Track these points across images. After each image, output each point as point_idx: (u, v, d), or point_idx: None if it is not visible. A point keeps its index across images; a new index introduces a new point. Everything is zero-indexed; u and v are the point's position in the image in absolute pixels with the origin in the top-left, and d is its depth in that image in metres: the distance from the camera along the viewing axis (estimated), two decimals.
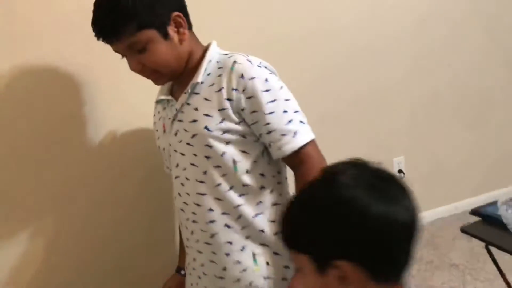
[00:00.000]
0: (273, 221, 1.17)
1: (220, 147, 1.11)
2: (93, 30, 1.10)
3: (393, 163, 2.75)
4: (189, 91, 1.13)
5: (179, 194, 1.21)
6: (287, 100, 1.12)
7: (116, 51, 1.14)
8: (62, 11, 1.45)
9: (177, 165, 1.19)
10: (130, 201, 1.65)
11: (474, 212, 1.70)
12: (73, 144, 1.54)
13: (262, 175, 1.15)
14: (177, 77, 1.18)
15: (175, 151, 1.18)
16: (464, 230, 1.63)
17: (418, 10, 2.61)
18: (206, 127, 1.10)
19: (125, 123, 1.59)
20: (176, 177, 1.20)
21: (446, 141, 2.90)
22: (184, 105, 1.15)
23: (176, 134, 1.17)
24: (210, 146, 1.11)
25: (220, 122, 1.10)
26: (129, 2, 1.04)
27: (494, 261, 1.61)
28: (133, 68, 1.14)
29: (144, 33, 1.07)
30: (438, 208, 2.84)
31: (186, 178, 1.17)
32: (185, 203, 1.19)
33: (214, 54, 1.15)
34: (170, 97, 1.19)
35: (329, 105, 2.40)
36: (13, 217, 1.51)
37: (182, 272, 1.38)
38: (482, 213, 1.67)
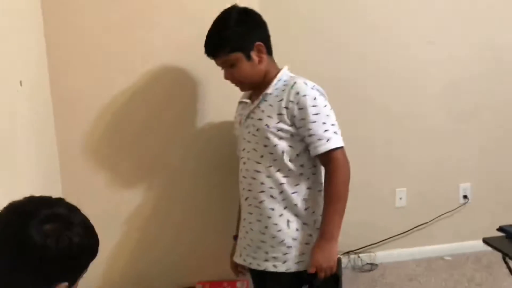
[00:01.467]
0: (304, 199, 1.57)
1: (274, 140, 1.54)
2: (205, 49, 1.60)
3: (459, 189, 2.92)
4: (261, 98, 1.58)
5: (241, 170, 1.65)
6: (327, 115, 1.52)
7: (217, 64, 1.62)
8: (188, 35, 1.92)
9: (244, 149, 1.64)
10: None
11: (501, 229, 1.90)
12: (184, 134, 2.01)
13: (302, 165, 1.56)
14: (255, 87, 1.63)
15: (244, 138, 1.63)
16: (485, 241, 1.85)
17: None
18: (266, 125, 1.54)
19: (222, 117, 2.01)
20: (242, 157, 1.66)
21: None
22: (256, 107, 1.59)
23: (247, 127, 1.62)
24: (267, 138, 1.54)
25: (277, 123, 1.53)
26: (226, 33, 1.55)
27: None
28: (225, 78, 1.62)
29: (233, 55, 1.55)
30: None
31: (248, 159, 1.61)
32: (244, 176, 1.63)
33: (283, 75, 1.59)
34: (248, 101, 1.66)
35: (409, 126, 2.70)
36: (123, 197, 1.96)
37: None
38: (507, 230, 1.87)
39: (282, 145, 1.54)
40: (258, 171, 1.57)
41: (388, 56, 2.67)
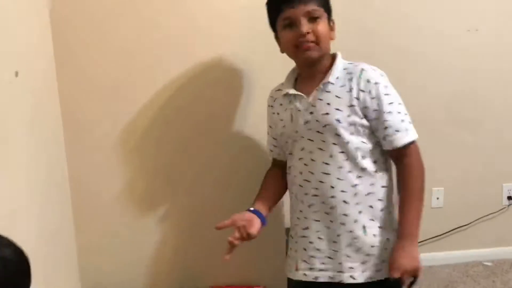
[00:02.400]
0: (380, 200, 1.40)
1: (346, 136, 1.36)
2: None
3: (503, 189, 2.72)
4: (321, 88, 1.38)
5: (300, 172, 1.43)
6: (399, 103, 1.38)
7: (292, 15, 1.36)
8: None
9: (302, 149, 1.42)
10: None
11: None
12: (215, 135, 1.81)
13: (375, 162, 1.40)
14: (313, 64, 1.40)
15: (302, 137, 1.41)
16: None
17: None
18: (337, 119, 1.35)
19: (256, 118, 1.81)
20: (300, 158, 1.43)
21: None
22: (316, 100, 1.39)
23: (305, 123, 1.40)
24: (338, 135, 1.36)
25: (348, 116, 1.35)
26: None
27: None
28: (299, 31, 1.36)
29: (322, 11, 1.37)
30: None
31: (312, 160, 1.40)
32: (306, 180, 1.42)
33: (341, 62, 1.42)
34: (299, 93, 1.42)
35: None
36: (158, 190, 1.79)
37: (251, 208, 1.53)
38: None
39: (355, 141, 1.37)
40: (327, 173, 1.39)
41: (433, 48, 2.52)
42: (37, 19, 1.55)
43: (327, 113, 1.37)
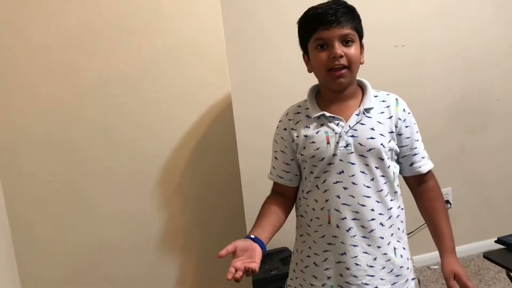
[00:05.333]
0: (402, 222, 1.49)
1: (387, 161, 1.42)
2: (320, 16, 1.37)
3: None
4: (362, 113, 1.41)
5: (338, 196, 1.42)
6: (417, 131, 1.49)
7: (326, 37, 1.37)
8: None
9: (342, 172, 1.41)
10: None
11: (500, 241, 1.80)
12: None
13: (398, 185, 1.48)
14: (343, 90, 1.43)
15: (341, 160, 1.41)
16: (486, 256, 1.74)
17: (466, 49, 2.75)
18: (382, 144, 1.40)
19: None
20: (337, 182, 1.41)
21: (495, 174, 2.95)
22: (357, 124, 1.41)
23: (346, 146, 1.40)
24: (382, 159, 1.41)
25: (389, 142, 1.42)
26: (355, 10, 1.42)
27: None
28: (332, 53, 1.37)
29: (355, 34, 1.39)
30: (485, 241, 2.87)
31: (353, 183, 1.41)
32: (345, 204, 1.41)
33: (371, 89, 1.48)
34: (337, 116, 1.42)
35: None
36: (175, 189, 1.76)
37: (252, 236, 1.43)
38: (507, 241, 1.77)
39: (393, 164, 1.45)
40: (368, 196, 1.41)
41: None
42: None
43: (372, 138, 1.40)
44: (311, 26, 1.40)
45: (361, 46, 1.43)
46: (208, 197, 1.79)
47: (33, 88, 1.59)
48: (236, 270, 1.24)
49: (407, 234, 1.52)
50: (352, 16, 1.40)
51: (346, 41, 1.38)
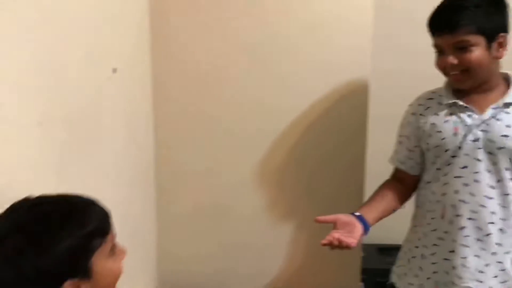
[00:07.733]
0: None
1: None
2: (434, 22, 1.30)
3: None
4: (501, 107, 1.30)
5: (456, 191, 1.34)
6: None
7: (439, 44, 1.30)
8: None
9: (465, 167, 1.33)
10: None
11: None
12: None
13: None
14: (475, 87, 1.33)
15: (467, 154, 1.32)
16: None
17: None
18: None
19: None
20: (458, 177, 1.34)
21: None
22: (491, 118, 1.30)
23: (475, 141, 1.31)
24: None
25: None
26: (475, 9, 1.25)
27: None
28: (444, 63, 1.29)
29: (475, 37, 1.25)
30: None
31: (475, 181, 1.32)
32: (462, 201, 1.33)
33: None
34: (469, 106, 1.33)
35: None
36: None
37: (357, 213, 1.40)
38: None
39: None
40: (490, 198, 1.32)
41: None
42: (136, 15, 1.61)
43: (506, 136, 1.29)
44: (429, 29, 1.33)
45: (491, 46, 1.27)
46: (327, 173, 1.77)
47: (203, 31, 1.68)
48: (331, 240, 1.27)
49: None
50: (475, 16, 1.25)
51: (461, 48, 1.27)
